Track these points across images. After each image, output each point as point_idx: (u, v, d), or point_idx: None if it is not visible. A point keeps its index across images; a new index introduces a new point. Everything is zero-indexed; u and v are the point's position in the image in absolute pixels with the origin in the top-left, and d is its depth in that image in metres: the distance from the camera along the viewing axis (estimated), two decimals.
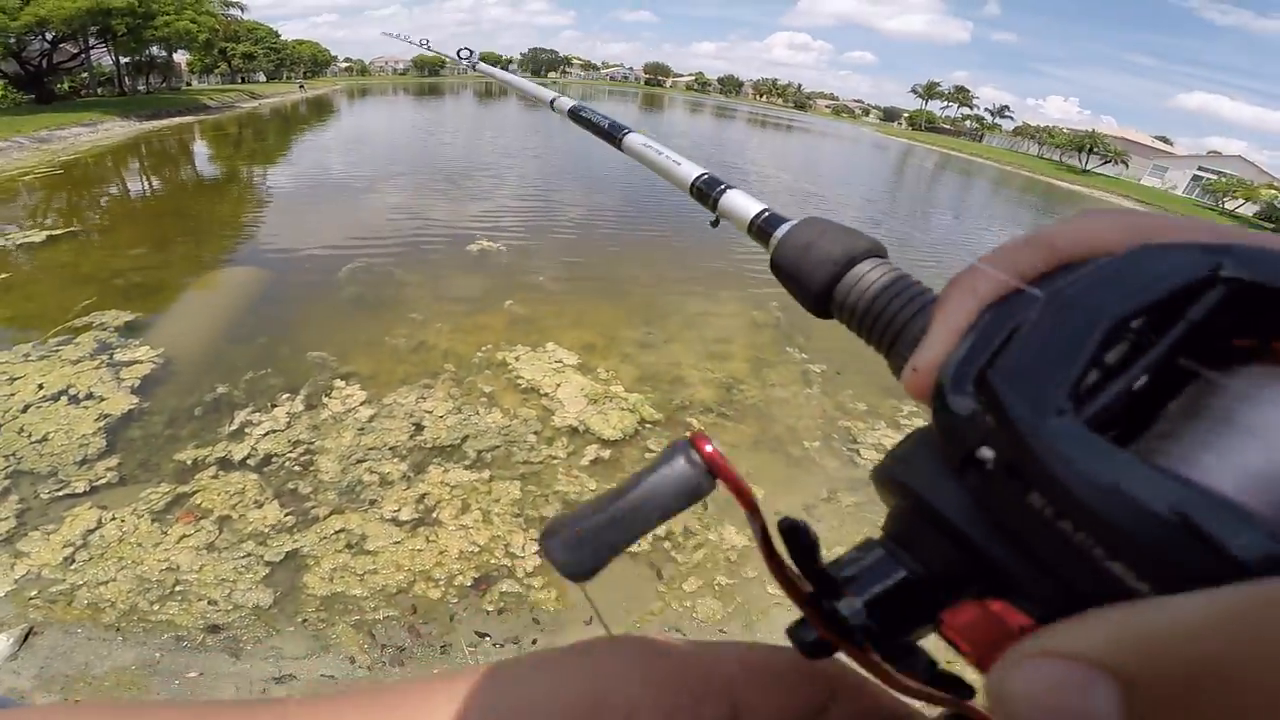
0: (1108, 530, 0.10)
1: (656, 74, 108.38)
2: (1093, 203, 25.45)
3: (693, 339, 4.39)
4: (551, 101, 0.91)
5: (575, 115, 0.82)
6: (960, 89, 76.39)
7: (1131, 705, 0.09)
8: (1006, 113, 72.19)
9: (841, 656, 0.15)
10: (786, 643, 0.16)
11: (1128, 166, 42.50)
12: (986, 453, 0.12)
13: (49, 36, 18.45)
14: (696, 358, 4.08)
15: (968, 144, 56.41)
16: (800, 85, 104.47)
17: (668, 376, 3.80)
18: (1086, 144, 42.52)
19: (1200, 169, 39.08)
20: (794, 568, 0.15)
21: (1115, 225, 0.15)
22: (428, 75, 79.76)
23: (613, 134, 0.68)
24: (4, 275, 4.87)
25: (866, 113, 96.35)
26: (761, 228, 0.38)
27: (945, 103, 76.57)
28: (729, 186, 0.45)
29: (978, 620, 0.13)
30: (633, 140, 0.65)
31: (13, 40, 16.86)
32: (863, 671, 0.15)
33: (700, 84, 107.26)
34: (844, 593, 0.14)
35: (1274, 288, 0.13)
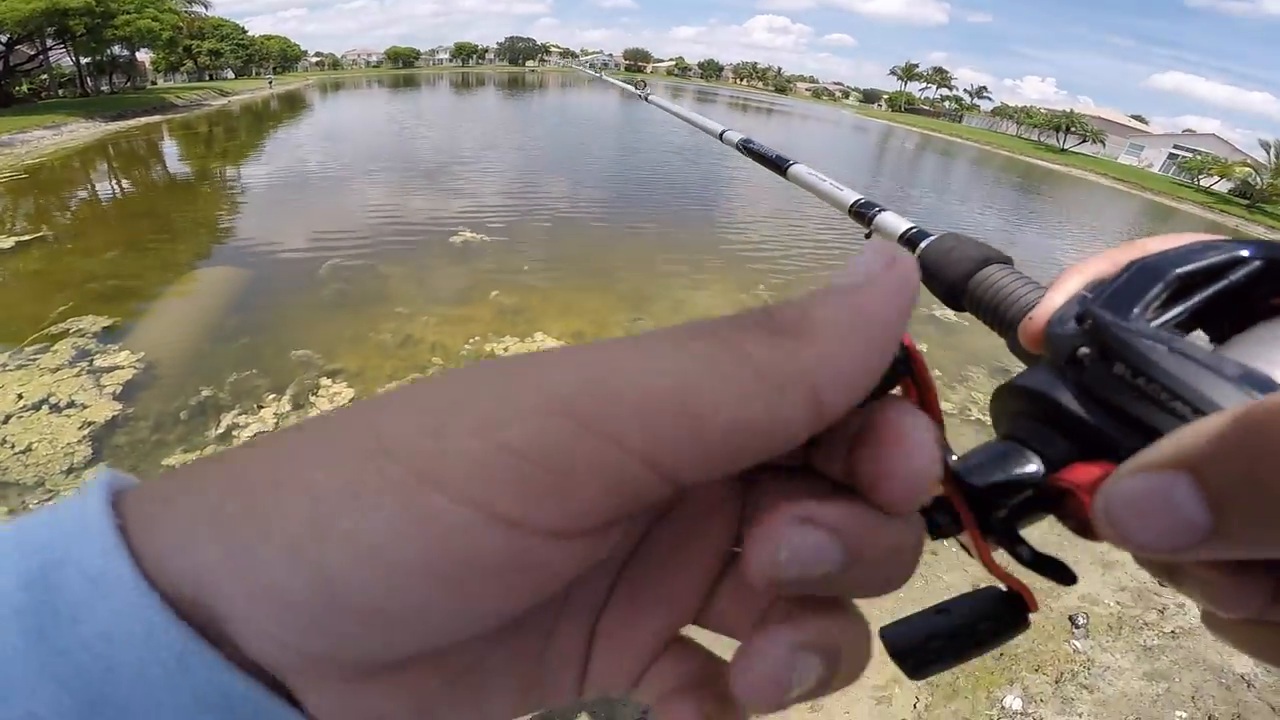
0: (1167, 377, 0.15)
1: (637, 60, 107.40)
2: (1072, 181, 25.75)
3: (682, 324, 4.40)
4: (721, 134, 0.98)
5: (745, 148, 0.89)
6: (939, 70, 76.69)
7: (1204, 487, 0.11)
8: (984, 93, 72.65)
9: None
10: None
11: (1105, 145, 42.99)
12: (1084, 351, 0.17)
13: (3, 39, 17.86)
14: None
15: (947, 125, 56.65)
16: (780, 69, 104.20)
17: None
18: (1064, 124, 42.86)
19: (1176, 147, 39.59)
20: None
21: (1188, 236, 0.22)
22: (401, 67, 78.38)
23: (779, 164, 0.76)
24: None
25: (846, 95, 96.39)
26: (911, 239, 0.46)
27: (924, 84, 76.78)
28: (882, 209, 0.54)
29: (1087, 472, 0.16)
30: (798, 170, 0.73)
31: None
32: (972, 551, 0.17)
33: (681, 69, 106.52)
34: (972, 479, 0.17)
35: None
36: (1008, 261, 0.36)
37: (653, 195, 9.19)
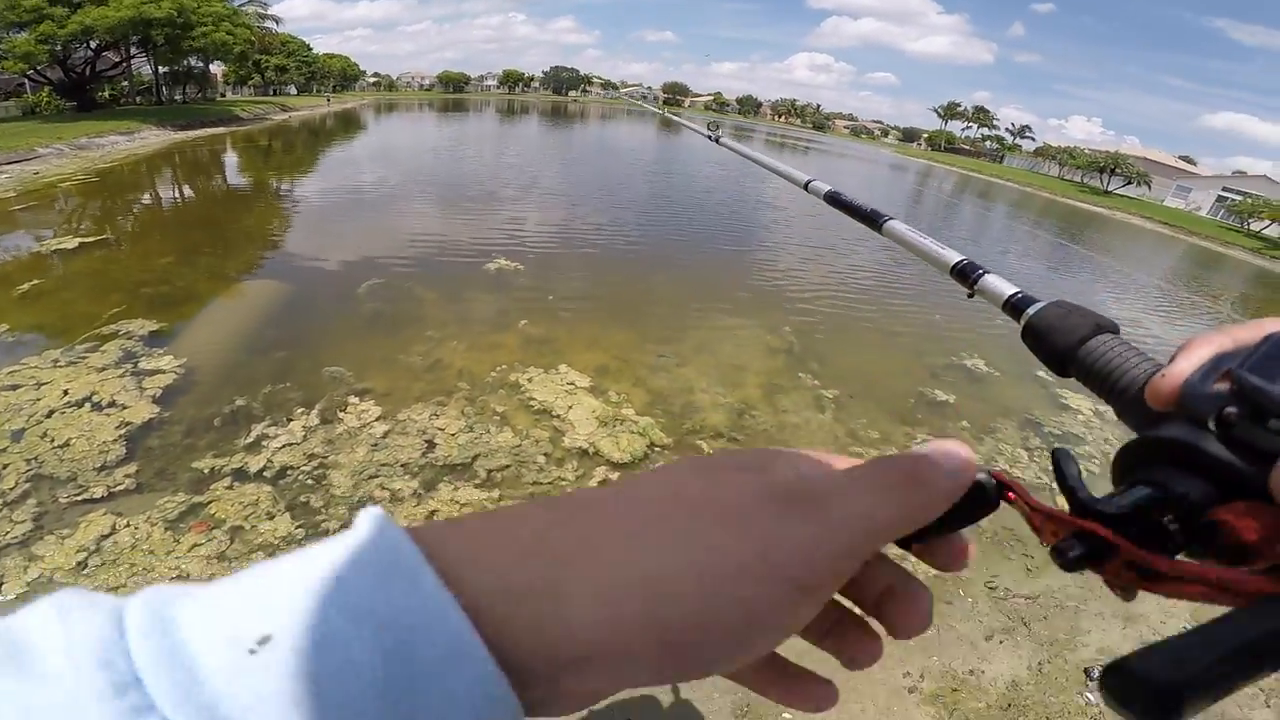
0: None
1: (675, 94, 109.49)
2: (1115, 225, 25.12)
3: (706, 363, 4.37)
4: (806, 184, 0.93)
5: (833, 199, 0.85)
6: (981, 109, 76.32)
7: None
8: (1028, 133, 71.64)
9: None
10: None
11: (1150, 188, 41.68)
12: (1231, 410, 0.20)
13: (93, 45, 19.04)
14: (709, 382, 4.06)
15: (987, 165, 56.06)
16: (819, 106, 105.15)
17: (679, 400, 3.79)
18: (1108, 165, 41.79)
19: (1224, 190, 38.30)
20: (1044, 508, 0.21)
21: None
22: (452, 91, 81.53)
23: (874, 219, 0.73)
24: (38, 281, 5.02)
25: (885, 133, 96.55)
26: (1015, 305, 0.46)
27: (966, 123, 76.43)
28: (986, 271, 0.54)
29: (1250, 508, 0.18)
30: (894, 226, 0.69)
31: (59, 48, 17.44)
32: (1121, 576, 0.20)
33: (718, 104, 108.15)
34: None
35: None
36: (1115, 329, 0.37)
37: (683, 231, 9.27)
